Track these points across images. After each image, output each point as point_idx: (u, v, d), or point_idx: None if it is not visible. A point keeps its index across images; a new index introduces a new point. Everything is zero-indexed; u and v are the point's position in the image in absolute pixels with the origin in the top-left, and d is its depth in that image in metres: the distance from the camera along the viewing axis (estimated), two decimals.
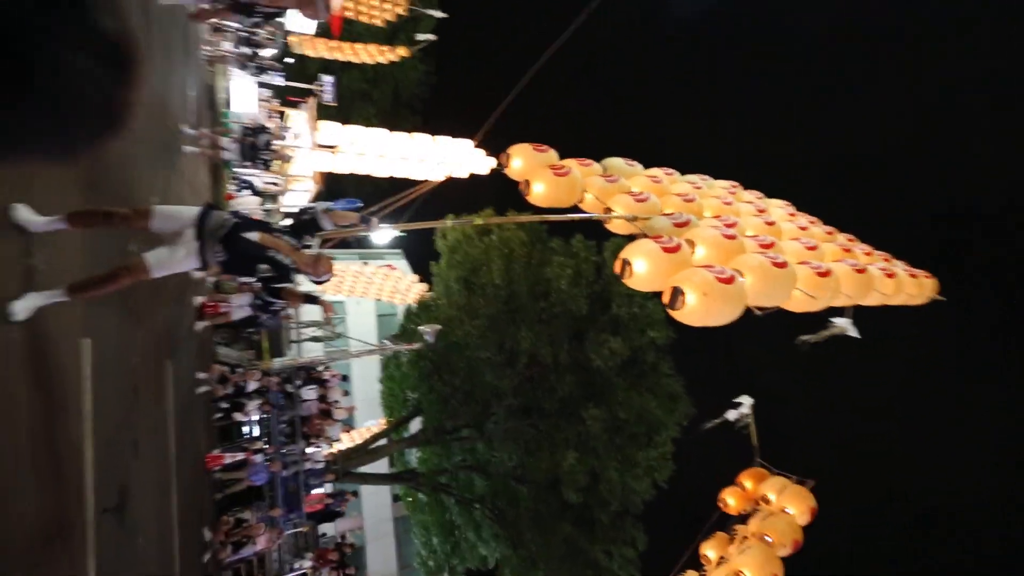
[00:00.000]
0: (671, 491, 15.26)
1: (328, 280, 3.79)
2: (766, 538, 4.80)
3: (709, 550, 5.59)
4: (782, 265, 3.17)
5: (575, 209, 4.01)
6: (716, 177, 5.59)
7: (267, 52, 11.53)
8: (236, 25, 11.40)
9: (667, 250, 3.01)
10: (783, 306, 3.59)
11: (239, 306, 9.65)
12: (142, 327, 5.38)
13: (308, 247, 3.80)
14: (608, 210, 3.84)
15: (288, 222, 3.86)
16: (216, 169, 10.03)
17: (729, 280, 2.79)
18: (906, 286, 4.72)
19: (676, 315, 2.81)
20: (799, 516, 5.06)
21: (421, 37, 16.63)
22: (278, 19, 12.91)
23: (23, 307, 2.93)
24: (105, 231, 3.98)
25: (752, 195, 5.46)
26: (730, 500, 5.72)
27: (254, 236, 3.41)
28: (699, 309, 2.72)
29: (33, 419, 3.09)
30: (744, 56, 33.31)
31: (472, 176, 13.23)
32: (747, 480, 5.74)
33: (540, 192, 3.69)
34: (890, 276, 4.44)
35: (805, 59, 31.15)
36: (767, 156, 30.72)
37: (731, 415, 5.78)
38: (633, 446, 14.51)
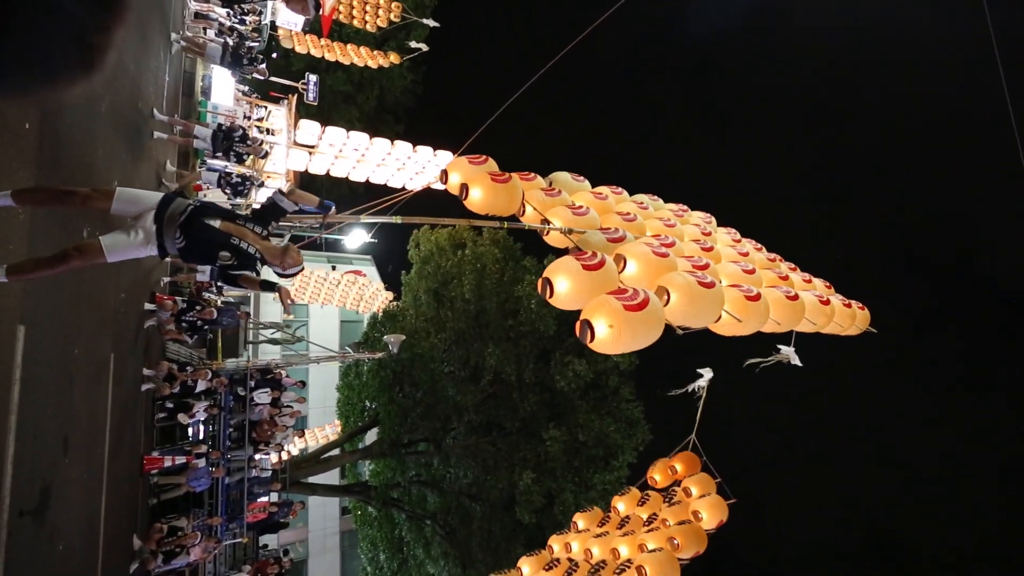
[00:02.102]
0: None
1: (297, 273, 3.62)
2: (674, 540, 5.08)
3: (620, 503, 6.14)
4: (709, 285, 3.15)
5: (513, 219, 3.94)
6: (693, 206, 5.70)
7: (252, 44, 11.30)
8: (222, 12, 11.17)
9: (588, 267, 2.94)
10: (711, 328, 3.58)
11: (201, 271, 9.29)
12: (87, 316, 5.07)
13: (277, 236, 3.63)
14: (545, 221, 3.78)
15: (253, 207, 3.66)
16: (186, 158, 9.69)
17: (640, 306, 2.73)
18: (838, 316, 4.80)
19: (590, 347, 2.76)
20: (707, 522, 5.38)
21: (414, 45, 16.65)
22: (264, 11, 12.72)
23: None
24: (57, 210, 3.75)
25: (701, 218, 5.52)
26: (657, 476, 6.20)
27: (216, 223, 3.24)
28: (609, 340, 2.68)
29: None
30: (734, 85, 34.57)
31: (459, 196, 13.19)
32: (679, 463, 6.09)
33: (478, 198, 3.58)
34: (824, 303, 4.52)
35: (794, 91, 32.47)
36: (745, 182, 31.90)
37: (691, 385, 5.87)
38: (590, 469, 14.48)
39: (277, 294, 3.74)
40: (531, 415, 14.70)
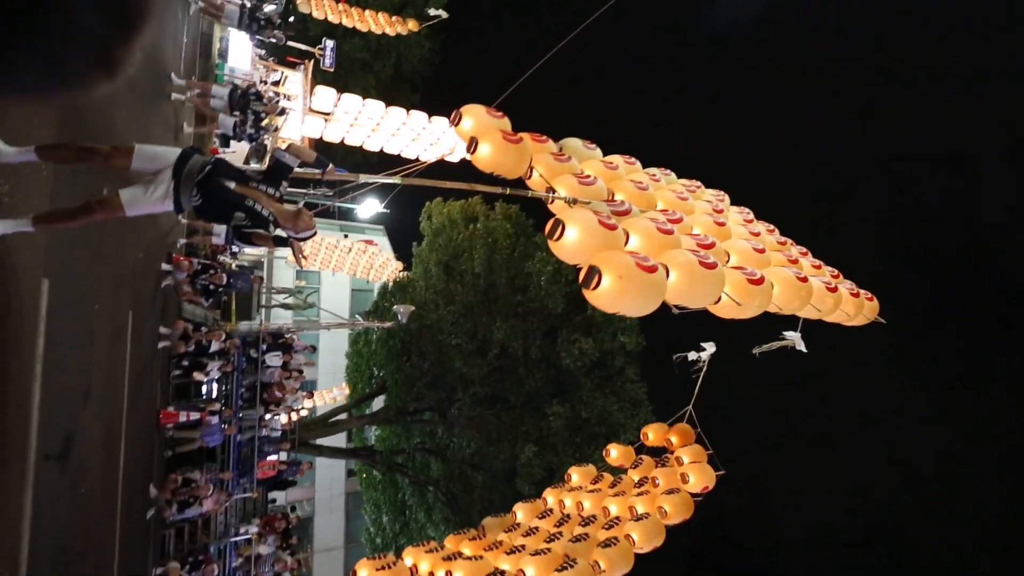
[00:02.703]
0: None
1: (310, 236, 3.67)
2: (662, 508, 5.29)
3: (613, 450, 6.51)
4: (711, 266, 3.07)
5: (519, 183, 3.79)
6: (707, 185, 5.58)
7: (270, 7, 11.20)
8: None
9: (604, 224, 2.89)
10: (709, 309, 3.50)
11: (217, 234, 9.46)
12: (107, 274, 5.23)
13: (291, 203, 3.67)
14: (551, 189, 3.63)
15: (261, 167, 3.66)
16: (203, 120, 9.74)
17: (651, 269, 2.69)
18: (845, 304, 4.70)
19: (588, 295, 2.70)
20: (693, 485, 5.58)
21: (433, 12, 16.37)
22: None
23: None
24: (80, 167, 3.85)
25: (713, 195, 5.36)
26: (650, 435, 6.51)
27: (231, 184, 3.30)
28: (612, 293, 2.62)
29: None
30: (747, 75, 33.73)
31: (463, 161, 13.15)
32: (673, 436, 6.31)
33: (485, 154, 3.41)
34: (832, 290, 4.42)
35: (813, 77, 31.65)
36: (762, 167, 31.39)
37: (692, 355, 5.92)
38: (592, 446, 14.73)
39: (291, 249, 3.81)
40: (536, 390, 14.91)
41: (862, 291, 5.39)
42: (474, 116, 3.61)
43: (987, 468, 27.50)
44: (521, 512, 5.85)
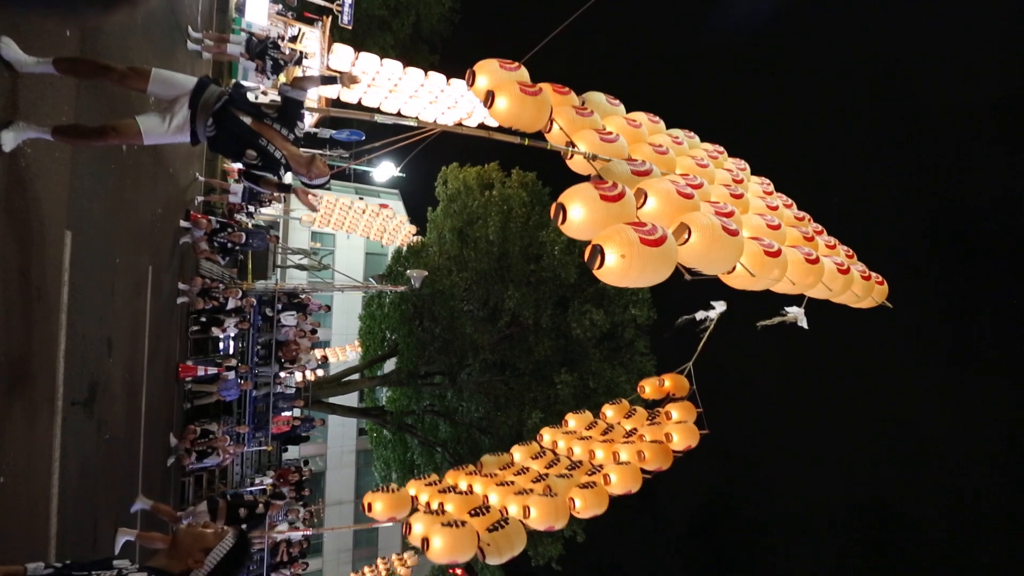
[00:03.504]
0: None
1: (324, 184, 3.61)
2: (642, 454, 5.63)
3: (609, 411, 6.89)
4: (733, 232, 3.01)
5: (540, 137, 3.65)
6: (730, 152, 5.43)
7: None
8: None
9: (606, 198, 2.79)
10: (721, 278, 3.45)
11: (234, 192, 9.52)
12: (127, 228, 5.30)
13: (300, 142, 3.60)
14: (571, 143, 3.52)
15: (275, 104, 3.59)
16: (220, 71, 9.66)
17: (658, 242, 2.63)
18: (855, 286, 4.67)
19: (596, 274, 2.68)
20: (677, 444, 5.86)
21: None
22: None
23: (8, 137, 2.88)
24: (99, 84, 3.84)
25: (734, 164, 5.24)
26: (647, 388, 6.87)
27: (247, 120, 3.25)
28: (617, 270, 2.59)
29: (9, 301, 3.08)
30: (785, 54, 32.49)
31: (482, 125, 12.93)
32: (668, 380, 6.65)
33: (503, 108, 3.29)
34: (844, 272, 4.38)
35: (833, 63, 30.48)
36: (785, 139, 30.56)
37: (700, 314, 5.97)
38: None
39: (296, 195, 3.79)
40: (545, 359, 15.04)
41: (873, 274, 5.31)
42: (488, 71, 3.48)
43: (987, 448, 27.51)
44: (518, 453, 6.19)
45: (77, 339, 3.99)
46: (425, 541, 4.31)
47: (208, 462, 8.30)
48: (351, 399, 20.21)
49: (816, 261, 3.89)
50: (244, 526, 6.66)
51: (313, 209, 14.70)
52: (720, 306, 5.77)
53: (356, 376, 18.29)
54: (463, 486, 5.45)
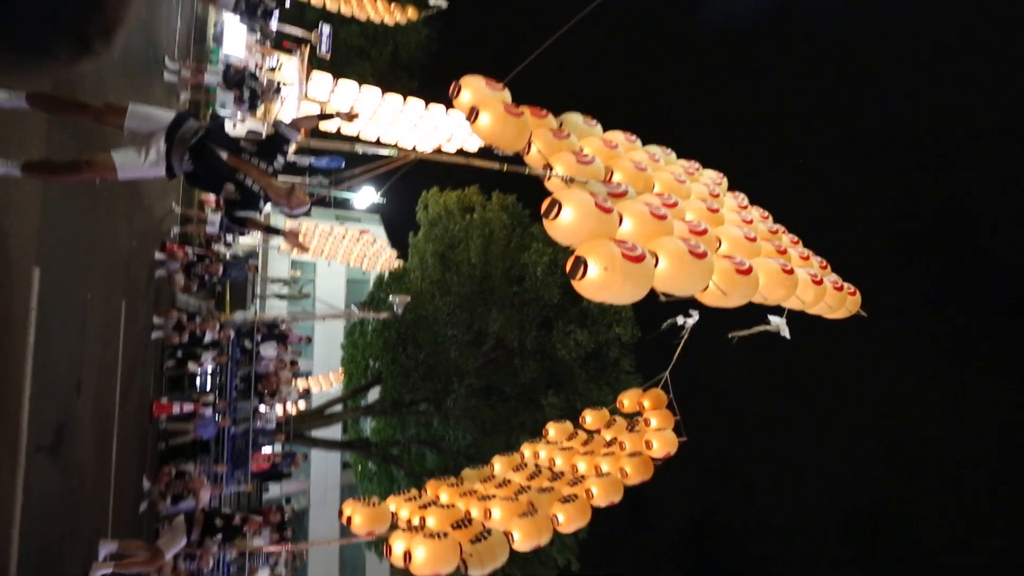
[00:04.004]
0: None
1: (304, 214, 3.59)
2: (624, 469, 5.67)
3: (588, 416, 6.91)
4: (701, 255, 3.10)
5: (518, 160, 3.77)
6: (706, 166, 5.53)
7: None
8: None
9: (600, 208, 2.90)
10: (696, 297, 3.55)
11: (211, 223, 9.31)
12: (100, 262, 5.11)
13: (282, 175, 3.56)
14: (548, 166, 3.60)
15: (256, 138, 3.57)
16: (198, 105, 9.55)
17: (638, 259, 2.71)
18: (828, 297, 4.75)
19: (576, 285, 2.72)
20: (656, 451, 5.95)
21: (432, 2, 16.11)
22: None
23: None
24: (72, 122, 3.72)
25: (711, 178, 5.37)
26: (625, 401, 6.91)
27: (223, 154, 3.21)
28: (598, 283, 2.65)
29: None
30: (755, 57, 33.71)
31: (461, 151, 13.00)
32: (646, 400, 6.69)
33: (485, 125, 3.39)
34: (817, 283, 4.47)
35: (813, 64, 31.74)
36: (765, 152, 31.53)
37: (680, 319, 5.99)
38: None
39: (285, 239, 3.76)
40: (531, 381, 14.90)
41: (846, 284, 5.41)
42: (473, 87, 3.56)
43: (981, 453, 27.98)
44: (499, 464, 6.22)
45: (43, 381, 3.77)
46: (407, 555, 4.30)
47: (184, 505, 7.90)
48: (334, 432, 19.68)
49: (791, 272, 3.98)
50: (219, 536, 6.48)
51: (304, 250, 14.49)
52: (695, 315, 5.83)
53: (339, 407, 17.85)
54: (444, 498, 5.47)
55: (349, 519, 5.16)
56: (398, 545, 4.43)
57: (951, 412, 28.09)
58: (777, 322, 5.22)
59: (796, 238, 5.43)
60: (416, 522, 4.97)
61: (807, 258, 5.14)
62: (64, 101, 3.27)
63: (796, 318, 5.25)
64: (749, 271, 3.49)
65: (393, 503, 5.44)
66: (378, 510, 5.27)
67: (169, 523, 6.53)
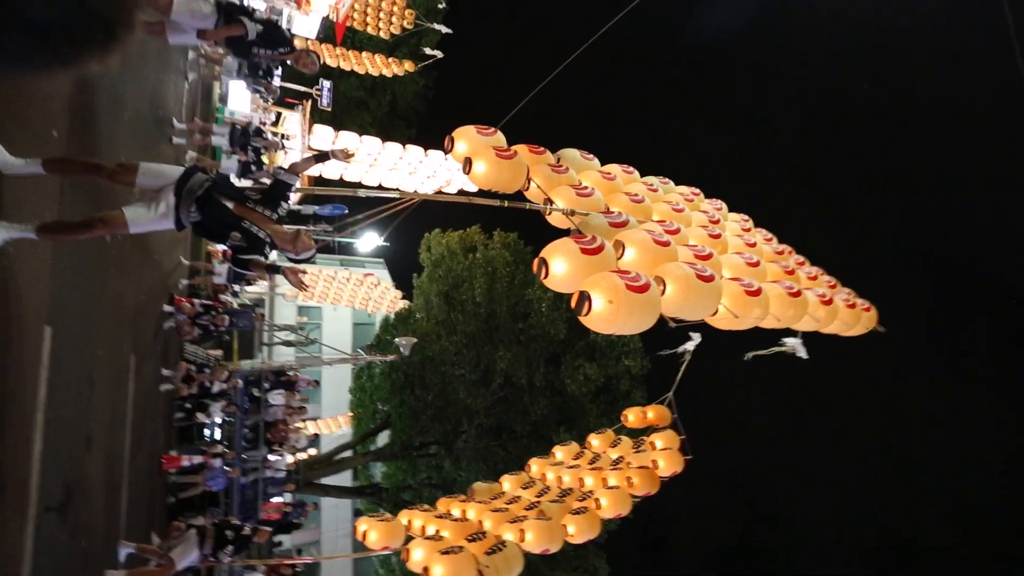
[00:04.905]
0: (634, 520, 15.22)
1: (309, 258, 3.68)
2: (631, 480, 5.71)
3: (595, 440, 6.95)
4: (708, 279, 3.09)
5: (519, 196, 3.86)
6: (707, 194, 5.60)
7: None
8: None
9: (587, 251, 2.91)
10: (707, 321, 3.53)
11: (218, 273, 9.44)
12: (109, 318, 5.21)
13: (285, 220, 3.68)
14: (549, 201, 3.69)
15: (260, 187, 3.73)
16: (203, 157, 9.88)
17: (642, 289, 2.71)
18: (841, 315, 4.74)
19: (583, 320, 2.73)
20: (663, 470, 6.00)
21: (429, 52, 16.78)
22: (279, 19, 12.90)
23: None
24: (83, 183, 3.87)
25: (711, 205, 5.41)
26: (631, 416, 7.06)
27: (230, 205, 3.34)
28: (605, 316, 2.64)
29: None
30: (747, 83, 34.53)
31: (461, 191, 13.28)
32: (650, 411, 6.84)
33: (481, 172, 3.48)
34: (827, 303, 4.45)
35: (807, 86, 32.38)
36: (755, 181, 31.83)
37: (683, 347, 5.97)
38: None
39: (285, 276, 3.84)
40: (542, 419, 14.71)
41: (860, 301, 5.38)
42: (466, 138, 3.69)
43: (991, 467, 27.06)
44: (508, 483, 6.24)
45: (54, 439, 3.80)
46: (425, 570, 4.32)
47: (191, 560, 7.75)
48: (344, 478, 19.37)
49: (798, 294, 3.97)
50: (231, 547, 6.41)
51: (303, 288, 14.62)
52: (696, 337, 5.85)
53: (348, 453, 17.63)
54: (456, 513, 5.50)
55: (365, 534, 5.25)
56: (417, 553, 4.50)
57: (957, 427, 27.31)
58: (792, 343, 5.20)
59: (802, 259, 5.45)
60: (432, 532, 5.03)
61: (815, 278, 5.14)
62: (79, 164, 3.45)
63: (812, 337, 5.22)
64: (759, 292, 3.49)
65: (406, 516, 5.55)
66: (392, 524, 5.36)
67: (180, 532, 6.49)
